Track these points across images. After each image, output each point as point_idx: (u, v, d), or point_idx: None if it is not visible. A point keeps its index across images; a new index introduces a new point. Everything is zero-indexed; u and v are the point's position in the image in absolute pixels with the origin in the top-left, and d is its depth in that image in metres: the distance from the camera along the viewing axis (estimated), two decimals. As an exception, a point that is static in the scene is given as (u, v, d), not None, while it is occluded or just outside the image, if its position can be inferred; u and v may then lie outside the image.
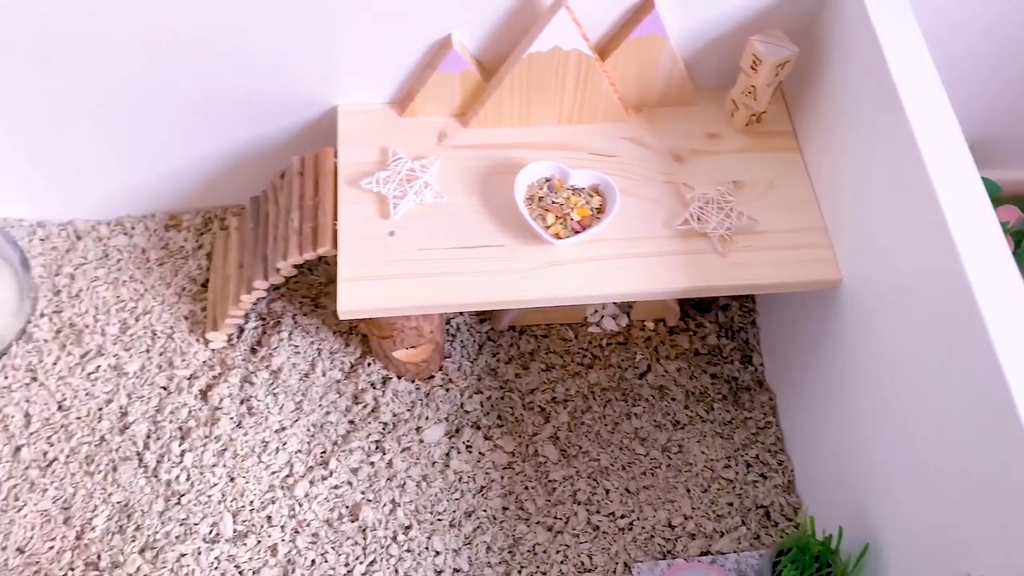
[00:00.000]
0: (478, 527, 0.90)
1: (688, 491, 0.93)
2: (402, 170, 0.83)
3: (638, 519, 0.91)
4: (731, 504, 0.92)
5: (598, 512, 0.91)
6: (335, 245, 0.80)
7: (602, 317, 1.02)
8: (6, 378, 0.93)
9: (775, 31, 0.81)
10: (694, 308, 1.04)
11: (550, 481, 0.93)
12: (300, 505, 0.88)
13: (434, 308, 0.79)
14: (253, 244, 0.88)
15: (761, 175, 0.86)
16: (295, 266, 0.83)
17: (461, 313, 1.00)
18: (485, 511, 0.90)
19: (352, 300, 0.77)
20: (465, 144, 0.86)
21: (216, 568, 0.84)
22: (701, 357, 1.02)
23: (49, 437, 0.90)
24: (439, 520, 0.89)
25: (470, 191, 0.83)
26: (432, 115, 0.87)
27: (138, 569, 0.84)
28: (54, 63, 0.81)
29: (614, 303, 1.02)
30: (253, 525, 0.86)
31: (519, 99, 0.84)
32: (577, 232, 0.80)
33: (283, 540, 0.86)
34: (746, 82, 0.83)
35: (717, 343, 1.02)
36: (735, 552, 0.89)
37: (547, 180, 0.82)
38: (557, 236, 0.79)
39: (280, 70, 0.84)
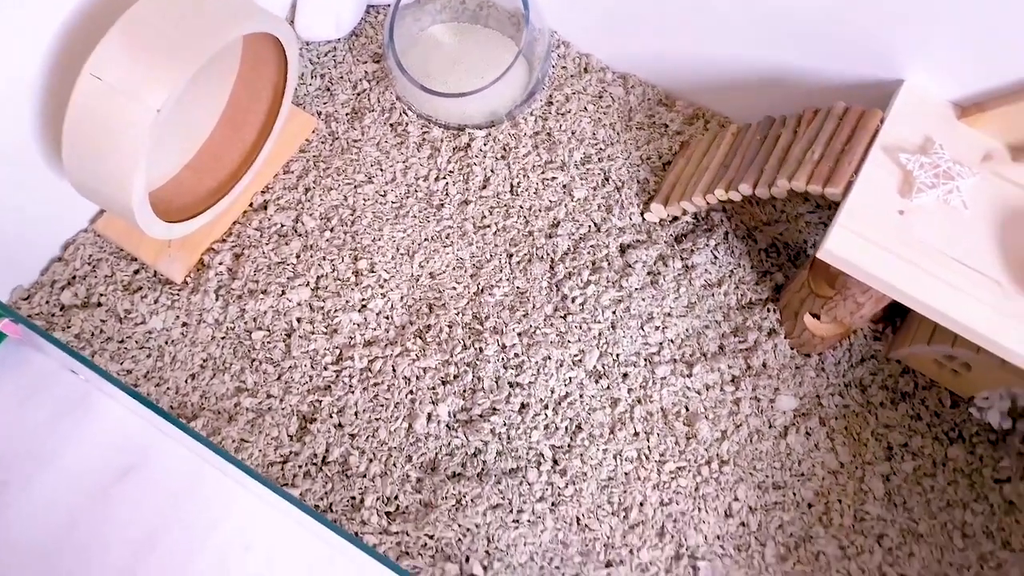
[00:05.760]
0: (780, 503, 0.91)
1: (992, 610, 0.87)
2: (942, 164, 0.82)
3: (930, 599, 0.87)
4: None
5: (892, 565, 0.89)
6: (844, 193, 0.82)
7: (991, 407, 0.97)
8: (486, 144, 1.06)
9: None
10: (1087, 457, 0.96)
11: (864, 511, 0.91)
12: (653, 383, 0.94)
13: (901, 296, 0.79)
14: (752, 154, 0.93)
15: None
16: (788, 191, 0.87)
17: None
18: (794, 494, 0.91)
19: (838, 246, 0.80)
20: (1007, 177, 0.84)
21: (566, 385, 0.93)
22: (1067, 504, 0.94)
23: (492, 207, 1.03)
24: (751, 475, 0.91)
25: (992, 219, 0.81)
26: (990, 134, 0.86)
27: (513, 345, 0.94)
28: None
29: (1010, 401, 0.96)
30: (610, 372, 0.94)
31: (1096, 166, 0.80)
32: (1085, 314, 0.76)
33: (625, 400, 0.93)
34: None
35: (1091, 503, 0.94)
36: None
37: (1078, 252, 0.79)
38: (1063, 306, 0.76)
39: (870, 30, 0.86)
